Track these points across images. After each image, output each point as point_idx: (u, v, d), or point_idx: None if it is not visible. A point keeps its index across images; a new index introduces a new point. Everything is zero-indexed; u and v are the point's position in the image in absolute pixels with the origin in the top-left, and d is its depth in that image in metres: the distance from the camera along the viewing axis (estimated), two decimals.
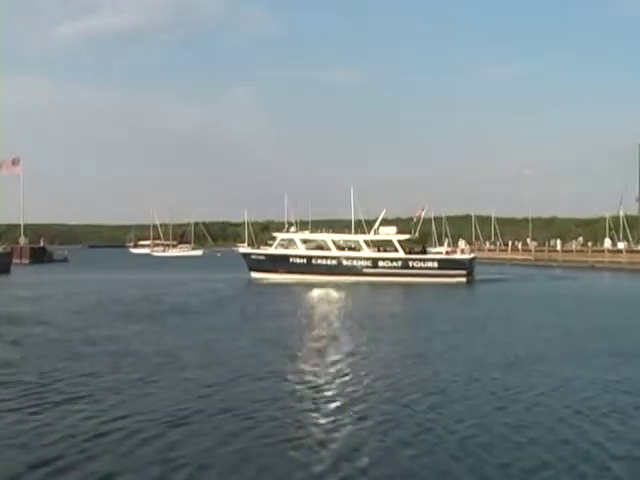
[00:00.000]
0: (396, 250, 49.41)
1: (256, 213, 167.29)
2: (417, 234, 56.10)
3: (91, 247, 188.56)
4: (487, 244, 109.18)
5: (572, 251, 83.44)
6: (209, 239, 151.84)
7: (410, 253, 50.09)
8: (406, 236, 51.87)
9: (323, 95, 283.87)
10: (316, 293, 37.54)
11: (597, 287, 47.71)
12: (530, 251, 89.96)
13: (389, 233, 50.96)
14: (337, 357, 16.65)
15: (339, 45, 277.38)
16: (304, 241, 52.15)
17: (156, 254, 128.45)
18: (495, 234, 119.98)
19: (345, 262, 50.00)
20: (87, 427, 10.31)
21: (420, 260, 48.75)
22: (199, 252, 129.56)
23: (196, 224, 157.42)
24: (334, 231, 54.22)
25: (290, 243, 52.20)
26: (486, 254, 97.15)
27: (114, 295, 35.60)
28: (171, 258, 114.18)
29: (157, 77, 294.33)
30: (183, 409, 11.36)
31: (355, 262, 49.83)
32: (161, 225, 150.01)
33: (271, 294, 38.87)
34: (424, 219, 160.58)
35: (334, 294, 37.87)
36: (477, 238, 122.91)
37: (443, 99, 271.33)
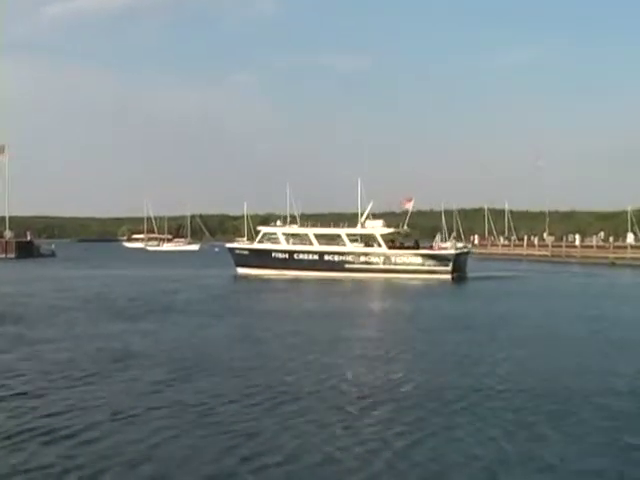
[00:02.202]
0: (379, 245, 49.47)
1: (256, 206, 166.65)
2: (406, 227, 55.46)
3: (81, 241, 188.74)
4: (501, 239, 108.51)
5: (592, 247, 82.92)
6: (206, 233, 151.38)
7: (400, 248, 49.98)
8: (390, 230, 51.63)
9: (324, 83, 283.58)
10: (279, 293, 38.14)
11: (608, 285, 47.12)
12: (547, 246, 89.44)
13: (375, 227, 51.00)
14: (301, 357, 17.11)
15: (341, 30, 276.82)
16: (288, 235, 52.84)
17: (150, 248, 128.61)
18: (509, 228, 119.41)
19: (327, 257, 50.40)
20: (32, 425, 10.77)
21: (403, 255, 48.71)
22: (195, 247, 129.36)
23: (193, 217, 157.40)
24: (325, 226, 54.61)
25: (273, 237, 52.97)
26: (500, 249, 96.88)
27: (98, 292, 36.12)
28: (166, 253, 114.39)
29: (153, 62, 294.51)
30: (135, 407, 11.85)
31: (336, 257, 50.22)
32: (156, 218, 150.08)
33: (245, 292, 39.18)
34: (434, 212, 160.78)
35: (295, 293, 38.45)
36: (490, 232, 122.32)
37: (450, 85, 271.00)
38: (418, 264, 48.03)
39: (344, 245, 50.59)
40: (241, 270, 52.70)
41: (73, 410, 11.66)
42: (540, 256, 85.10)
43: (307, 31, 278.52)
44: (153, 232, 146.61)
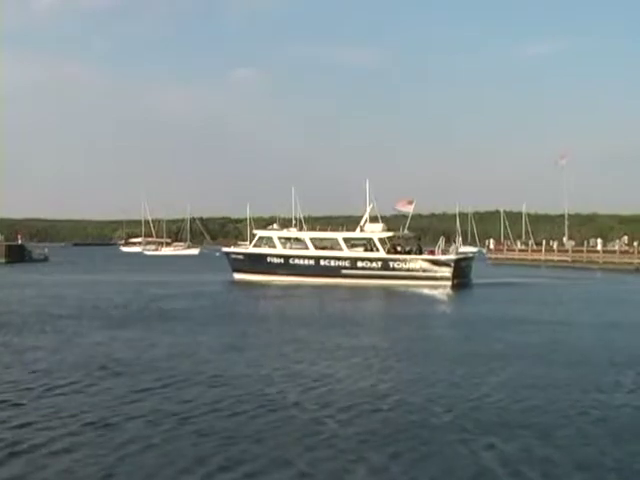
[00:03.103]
0: (377, 249, 49.51)
1: (260, 208, 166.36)
2: (407, 230, 55.08)
3: (76, 245, 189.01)
4: (518, 243, 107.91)
5: (615, 252, 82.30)
6: (207, 237, 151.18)
7: (399, 253, 50.01)
8: (388, 233, 51.41)
9: (329, 78, 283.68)
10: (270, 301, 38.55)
11: (632, 291, 46.67)
12: (567, 251, 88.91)
13: (374, 230, 51.03)
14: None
15: (351, 21, 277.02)
16: (284, 239, 52.99)
17: (148, 253, 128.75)
18: (527, 232, 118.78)
19: (322, 262, 50.47)
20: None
21: (401, 261, 48.55)
22: (195, 251, 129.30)
23: (193, 220, 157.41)
24: (327, 229, 54.89)
25: (268, 241, 53.13)
26: (517, 254, 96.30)
27: (89, 298, 36.38)
28: (164, 257, 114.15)
29: (152, 56, 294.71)
30: (110, 416, 12.05)
31: (332, 262, 50.23)
32: (154, 221, 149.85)
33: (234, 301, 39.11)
34: (448, 215, 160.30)
35: (286, 301, 38.57)
36: (507, 237, 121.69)
37: (466, 81, 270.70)
38: (416, 270, 47.81)
39: (341, 250, 50.46)
40: (237, 275, 53.02)
41: (46, 420, 11.82)
42: (559, 262, 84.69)
43: (312, 24, 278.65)
44: (151, 236, 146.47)
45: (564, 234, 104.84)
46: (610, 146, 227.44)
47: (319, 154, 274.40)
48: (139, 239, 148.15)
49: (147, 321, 26.79)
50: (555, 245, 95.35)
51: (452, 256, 48.48)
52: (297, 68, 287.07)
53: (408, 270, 48.01)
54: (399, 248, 50.66)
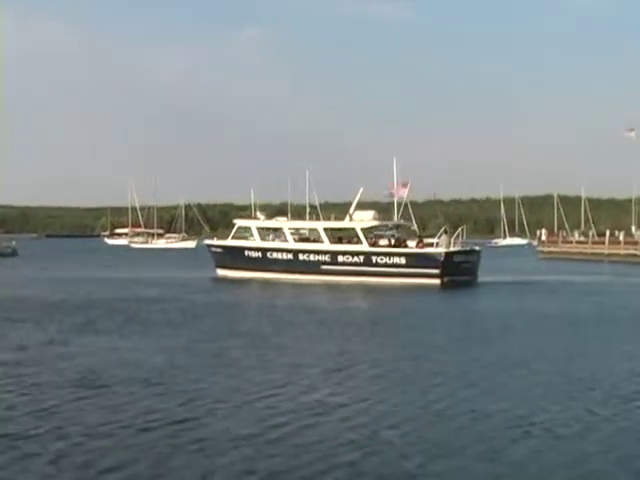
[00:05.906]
0: (360, 241, 49.93)
1: (268, 193, 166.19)
2: (401, 219, 54.16)
3: (49, 236, 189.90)
4: (576, 234, 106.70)
5: None
6: (205, 227, 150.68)
7: (396, 245, 49.96)
8: (373, 223, 51.09)
9: (351, 39, 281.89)
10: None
11: None
12: (635, 244, 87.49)
13: (363, 219, 51.11)
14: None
15: None
16: (263, 230, 54.09)
17: (135, 246, 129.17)
18: (586, 221, 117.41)
19: (302, 257, 51.05)
20: None
21: (385, 255, 48.61)
22: (192, 244, 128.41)
23: (189, 207, 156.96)
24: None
25: (248, 232, 54.30)
26: (574, 247, 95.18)
27: (55, 298, 37.18)
28: (154, 251, 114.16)
29: (139, 16, 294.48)
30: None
31: (312, 256, 50.75)
32: (142, 208, 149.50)
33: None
34: (491, 200, 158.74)
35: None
36: (562, 226, 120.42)
37: (511, 43, 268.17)
38: (401, 265, 47.79)
39: (322, 242, 51.12)
40: (220, 272, 54.43)
41: None
42: (626, 256, 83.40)
43: None
44: (139, 226, 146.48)
45: (633, 223, 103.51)
46: None
47: (338, 130, 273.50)
48: (126, 230, 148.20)
49: (109, 324, 27.54)
50: (621, 236, 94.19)
51: (441, 249, 47.56)
52: (308, 26, 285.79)
53: (392, 265, 48.03)
54: (394, 240, 50.46)
